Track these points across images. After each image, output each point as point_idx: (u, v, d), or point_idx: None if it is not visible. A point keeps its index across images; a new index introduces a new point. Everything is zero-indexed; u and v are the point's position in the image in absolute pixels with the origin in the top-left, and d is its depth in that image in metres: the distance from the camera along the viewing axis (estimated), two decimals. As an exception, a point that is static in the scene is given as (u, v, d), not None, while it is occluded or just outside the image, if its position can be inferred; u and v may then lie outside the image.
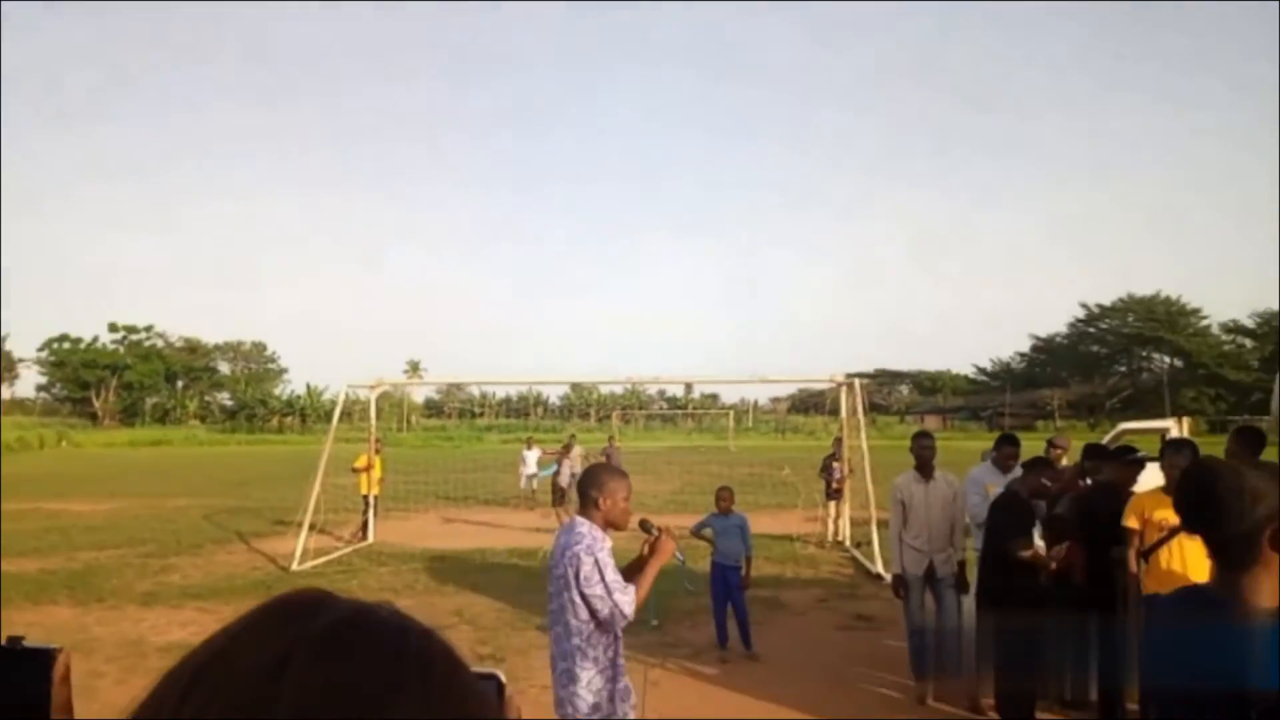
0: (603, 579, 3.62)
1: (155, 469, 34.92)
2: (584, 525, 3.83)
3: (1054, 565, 5.79)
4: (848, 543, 13.96)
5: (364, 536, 14.75)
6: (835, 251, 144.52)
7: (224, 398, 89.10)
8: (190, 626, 8.83)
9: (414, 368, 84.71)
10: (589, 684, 3.70)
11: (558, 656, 3.78)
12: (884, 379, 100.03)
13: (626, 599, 3.65)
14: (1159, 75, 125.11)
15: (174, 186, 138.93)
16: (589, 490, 3.90)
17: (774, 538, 14.21)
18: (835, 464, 14.73)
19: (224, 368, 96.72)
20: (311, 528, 13.36)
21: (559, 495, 17.41)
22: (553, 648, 3.83)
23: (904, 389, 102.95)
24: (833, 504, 14.70)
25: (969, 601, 7.04)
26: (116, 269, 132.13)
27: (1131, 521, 5.50)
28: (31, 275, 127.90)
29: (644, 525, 4.04)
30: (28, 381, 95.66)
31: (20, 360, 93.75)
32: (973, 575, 6.85)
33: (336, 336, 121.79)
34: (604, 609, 3.64)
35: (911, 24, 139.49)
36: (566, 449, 18.82)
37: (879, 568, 11.36)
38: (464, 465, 31.87)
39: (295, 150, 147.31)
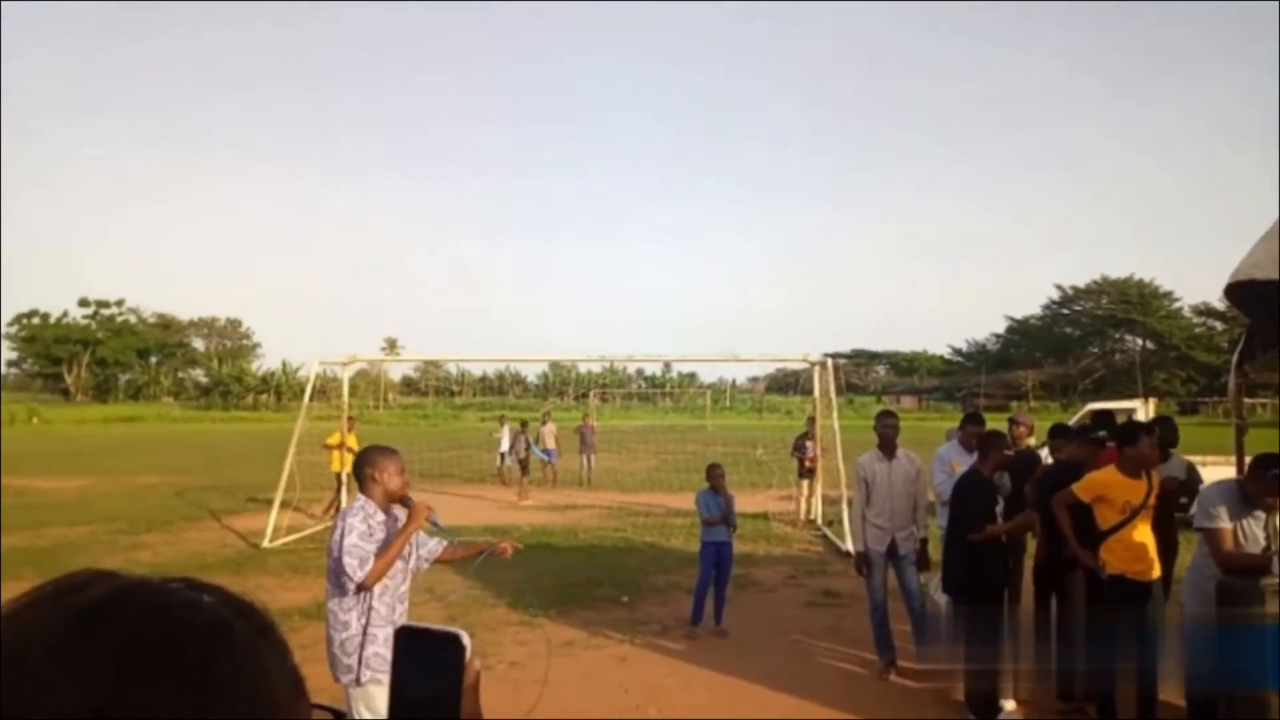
0: (342, 542, 3.95)
1: (128, 446, 34.61)
2: (360, 500, 4.14)
3: (1004, 535, 5.91)
4: (820, 521, 14.10)
5: (337, 513, 14.70)
6: (815, 233, 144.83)
7: (198, 374, 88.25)
8: (159, 603, 8.80)
9: (391, 345, 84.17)
10: (341, 645, 4.03)
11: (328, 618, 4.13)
12: (861, 359, 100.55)
13: (354, 563, 3.92)
14: (1132, 60, 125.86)
15: (148, 161, 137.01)
16: (364, 469, 4.16)
17: (748, 516, 14.29)
18: (808, 443, 14.85)
19: (198, 344, 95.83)
20: (285, 505, 13.34)
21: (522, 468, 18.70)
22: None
23: (881, 369, 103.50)
24: (805, 483, 14.83)
25: (933, 580, 7.18)
26: (88, 243, 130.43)
27: (1082, 494, 5.55)
28: None
29: (404, 500, 4.21)
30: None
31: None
32: (937, 553, 6.97)
33: (312, 314, 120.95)
34: (338, 569, 3.96)
35: (891, 14, 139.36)
36: (523, 426, 19.69)
37: (849, 545, 11.47)
38: (441, 443, 31.79)
39: (272, 126, 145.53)
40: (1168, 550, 6.19)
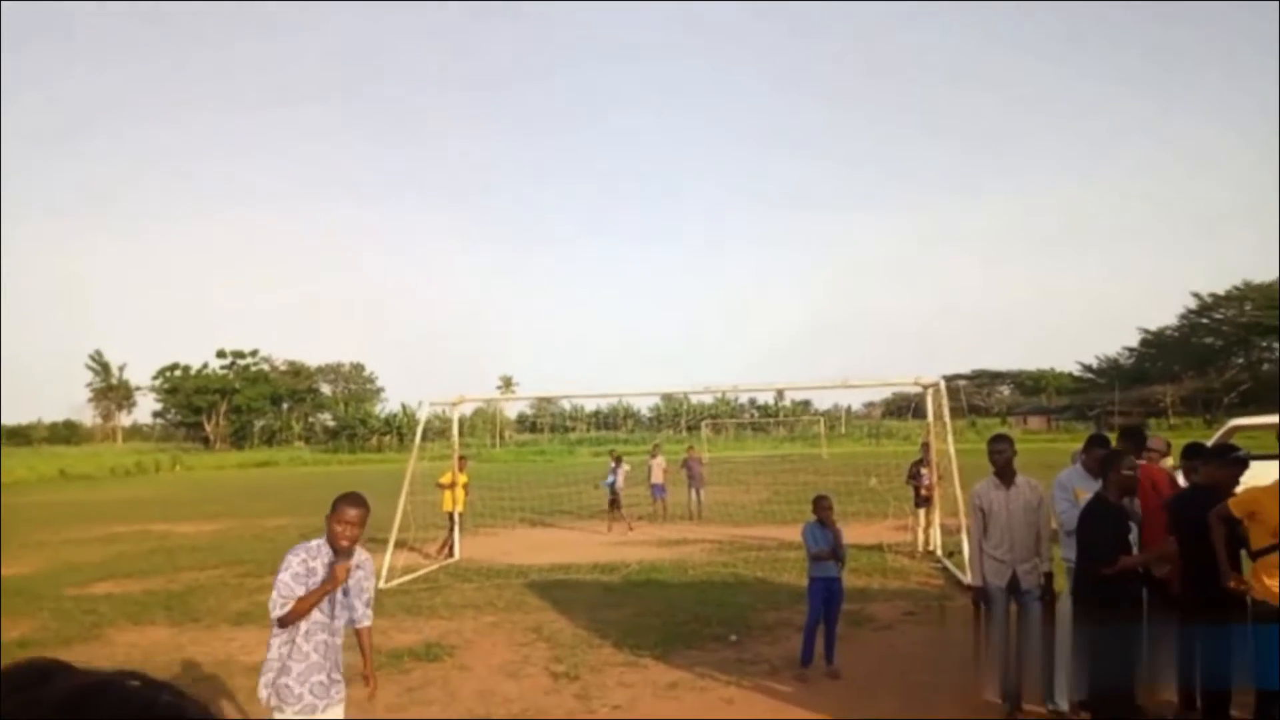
0: (278, 575, 4.26)
1: (261, 490, 36.23)
2: (315, 541, 4.41)
3: (1141, 567, 5.46)
4: (939, 552, 13.47)
5: (451, 553, 14.93)
6: (930, 252, 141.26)
7: (326, 418, 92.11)
8: (278, 645, 9.03)
9: (506, 383, 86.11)
10: (265, 666, 4.32)
11: None
12: (983, 380, 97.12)
13: (278, 599, 4.22)
14: (1265, 54, 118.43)
15: (269, 215, 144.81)
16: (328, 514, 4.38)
17: (862, 548, 13.83)
18: (923, 470, 14.26)
19: (325, 389, 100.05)
20: (400, 545, 13.60)
21: (613, 503, 18.92)
22: None
23: (1004, 390, 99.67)
24: (922, 512, 14.23)
25: (1062, 615, 6.67)
26: (220, 297, 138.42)
27: (1236, 510, 5.13)
28: (142, 307, 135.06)
29: (338, 553, 4.34)
30: (144, 408, 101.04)
31: (137, 388, 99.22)
32: (1064, 585, 6.49)
33: (430, 356, 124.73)
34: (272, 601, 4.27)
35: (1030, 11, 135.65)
36: (618, 460, 19.78)
37: (970, 578, 10.91)
38: (554, 480, 32.13)
39: (387, 176, 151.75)
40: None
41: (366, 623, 4.60)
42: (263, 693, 4.33)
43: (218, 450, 79.85)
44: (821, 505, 7.91)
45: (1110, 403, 74.61)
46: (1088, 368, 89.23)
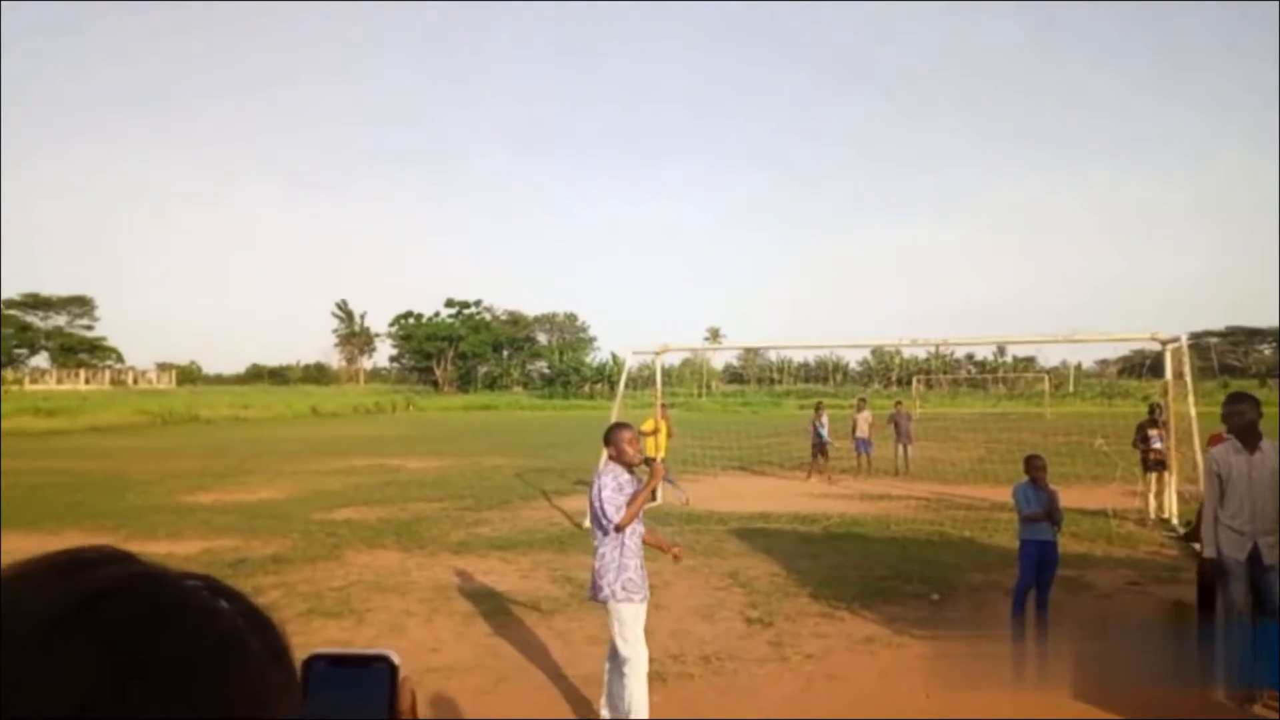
0: (600, 495, 5.13)
1: (482, 431, 38.56)
2: (609, 464, 5.35)
3: None
4: (1174, 520, 12.39)
5: (653, 498, 15.30)
6: (1187, 195, 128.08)
7: (542, 366, 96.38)
8: (492, 574, 9.65)
9: (714, 334, 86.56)
10: (599, 572, 5.15)
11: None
12: (1239, 337, 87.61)
13: (613, 509, 5.10)
14: None
15: (491, 169, 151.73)
16: (608, 443, 5.40)
17: (1085, 513, 12.93)
18: (1151, 432, 13.10)
19: (542, 338, 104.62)
20: (605, 488, 14.08)
21: (816, 453, 19.22)
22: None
23: (1265, 349, 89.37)
24: (1153, 476, 13.11)
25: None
26: (451, 250, 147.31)
27: None
28: (382, 259, 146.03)
29: (648, 460, 5.06)
30: (383, 353, 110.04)
31: (377, 335, 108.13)
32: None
33: (641, 306, 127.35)
34: (601, 516, 5.15)
35: None
36: (818, 410, 19.67)
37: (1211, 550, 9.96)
38: (758, 430, 32.09)
39: (591, 124, 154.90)
40: None
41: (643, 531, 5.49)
42: (601, 594, 5.14)
43: (445, 393, 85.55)
44: (1034, 464, 7.47)
45: (1397, 364, 65.23)
46: (1369, 324, 78.25)
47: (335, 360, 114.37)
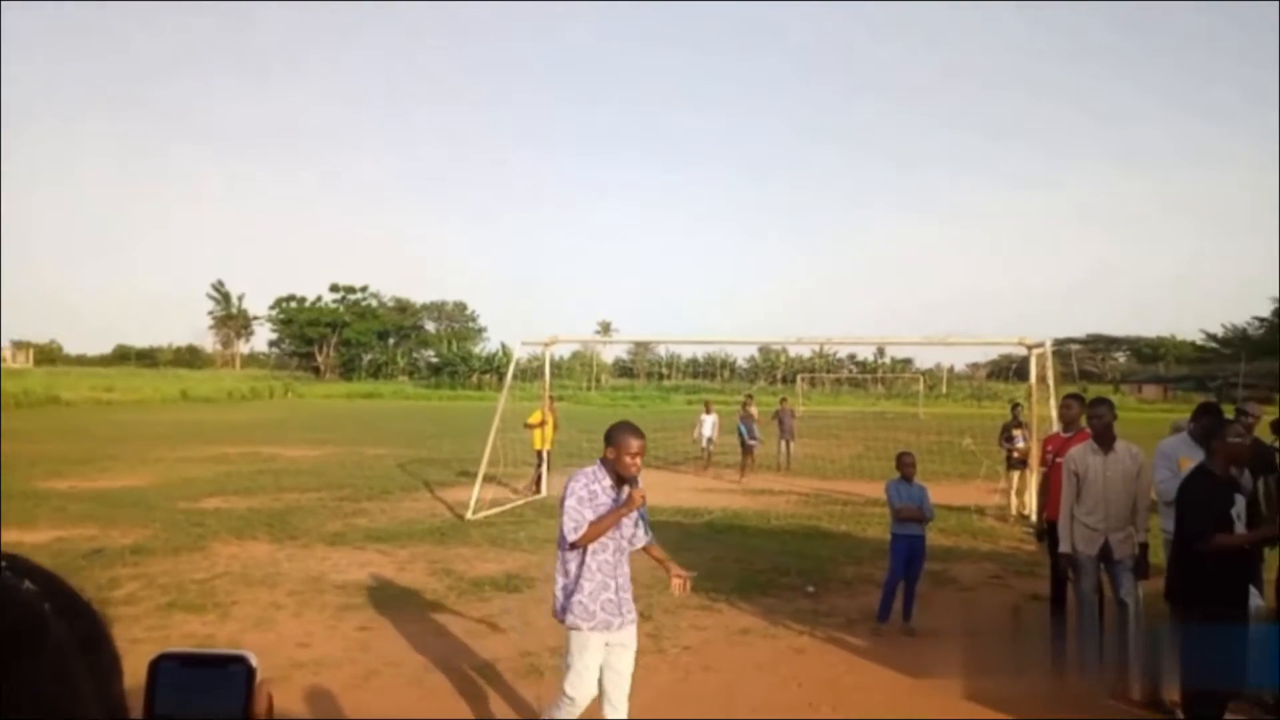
0: (563, 502, 4.47)
1: (365, 420, 37.58)
2: (592, 467, 4.59)
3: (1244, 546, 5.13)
4: (1034, 517, 13.04)
5: (538, 490, 15.23)
6: (1051, 210, 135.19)
7: (429, 355, 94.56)
8: (368, 567, 9.39)
9: (605, 328, 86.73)
10: (561, 589, 4.56)
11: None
12: (1098, 345, 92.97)
13: (571, 524, 4.41)
14: None
15: (384, 155, 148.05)
16: (607, 442, 4.55)
17: (953, 508, 13.50)
18: (1015, 432, 13.81)
19: (430, 326, 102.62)
20: (490, 480, 13.93)
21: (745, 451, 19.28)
22: None
23: (1120, 356, 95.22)
24: (1015, 475, 13.79)
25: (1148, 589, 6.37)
26: (336, 233, 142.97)
27: None
28: (263, 239, 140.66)
29: (630, 481, 4.48)
30: (261, 337, 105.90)
31: (255, 318, 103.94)
32: (1162, 559, 6.18)
33: (533, 298, 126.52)
34: (559, 526, 4.49)
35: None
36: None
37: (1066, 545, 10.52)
38: (646, 425, 32.11)
39: (493, 114, 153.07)
40: None
41: (649, 539, 4.87)
42: (559, 612, 4.59)
43: (327, 380, 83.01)
44: (904, 461, 7.75)
45: (1234, 374, 70.44)
46: (1212, 336, 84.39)
47: (210, 343, 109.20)
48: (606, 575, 4.52)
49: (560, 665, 4.62)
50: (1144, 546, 6.03)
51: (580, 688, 4.50)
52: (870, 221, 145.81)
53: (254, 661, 0.69)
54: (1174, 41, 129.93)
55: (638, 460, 4.47)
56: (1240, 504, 5.61)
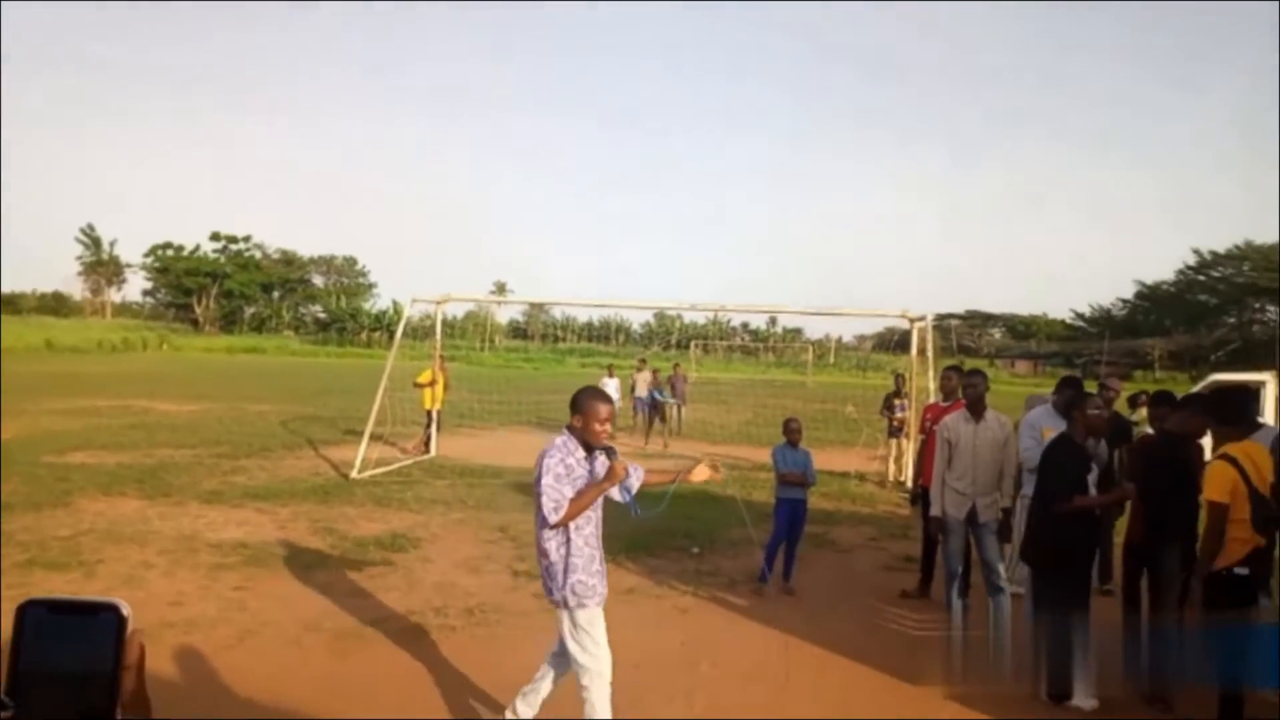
0: (540, 481, 4.16)
1: (246, 375, 36.29)
2: (562, 437, 4.33)
3: (1097, 509, 5.50)
4: (910, 483, 13.61)
5: (426, 450, 15.03)
6: (938, 192, 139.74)
7: (317, 310, 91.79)
8: (245, 526, 9.11)
9: (500, 288, 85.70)
10: (547, 571, 4.32)
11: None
12: (976, 321, 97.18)
13: (550, 505, 4.13)
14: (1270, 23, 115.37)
15: (274, 102, 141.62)
16: (573, 409, 4.33)
17: (834, 474, 13.97)
18: (896, 401, 14.36)
19: (318, 281, 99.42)
20: (378, 439, 13.65)
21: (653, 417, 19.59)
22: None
23: (996, 332, 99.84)
24: (894, 442, 14.35)
25: (1011, 551, 6.73)
26: (218, 179, 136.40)
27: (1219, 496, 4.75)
28: (138, 183, 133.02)
29: (609, 451, 4.32)
30: (134, 286, 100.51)
31: (128, 265, 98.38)
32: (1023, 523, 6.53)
33: (426, 255, 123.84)
34: (538, 505, 4.19)
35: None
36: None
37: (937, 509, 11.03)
38: (540, 388, 32.20)
39: (391, 71, 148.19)
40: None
41: (638, 480, 4.67)
42: (556, 595, 4.31)
43: (206, 333, 79.64)
44: (790, 427, 7.97)
45: (1098, 352, 74.84)
46: (1080, 316, 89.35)
47: (78, 290, 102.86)
48: (593, 549, 4.38)
49: (569, 646, 4.33)
50: (1007, 511, 6.36)
51: (604, 659, 4.37)
52: (769, 193, 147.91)
53: (126, 610, 0.68)
54: (1044, 19, 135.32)
55: (607, 427, 4.31)
56: (1095, 472, 6.00)
